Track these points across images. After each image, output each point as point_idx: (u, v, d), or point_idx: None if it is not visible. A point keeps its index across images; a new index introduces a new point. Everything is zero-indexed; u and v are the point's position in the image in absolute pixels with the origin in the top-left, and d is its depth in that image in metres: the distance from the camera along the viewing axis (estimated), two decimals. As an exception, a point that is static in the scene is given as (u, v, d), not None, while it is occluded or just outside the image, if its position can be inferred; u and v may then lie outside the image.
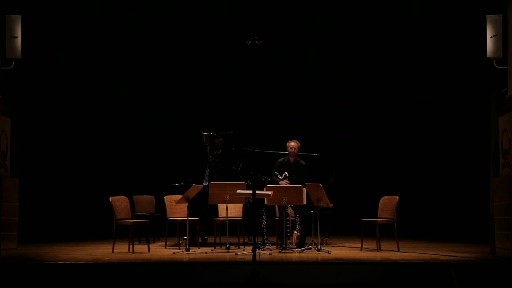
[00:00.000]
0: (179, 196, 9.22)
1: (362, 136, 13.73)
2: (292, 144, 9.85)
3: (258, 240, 8.84)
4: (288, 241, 9.36)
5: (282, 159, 9.99)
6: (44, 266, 7.62)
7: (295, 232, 9.52)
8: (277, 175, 9.77)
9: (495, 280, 7.22)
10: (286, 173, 9.71)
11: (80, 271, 7.47)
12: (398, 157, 13.44)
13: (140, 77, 13.65)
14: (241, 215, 10.15)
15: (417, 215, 12.78)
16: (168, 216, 9.86)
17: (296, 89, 13.87)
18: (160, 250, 9.50)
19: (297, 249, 9.14)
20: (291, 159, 9.86)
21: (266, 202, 9.26)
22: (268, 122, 13.79)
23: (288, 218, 9.37)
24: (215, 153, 10.42)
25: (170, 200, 9.86)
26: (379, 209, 9.38)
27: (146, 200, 11.43)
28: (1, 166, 8.78)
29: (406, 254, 8.74)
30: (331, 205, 9.30)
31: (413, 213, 12.56)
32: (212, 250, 9.24)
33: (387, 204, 9.24)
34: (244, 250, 9.26)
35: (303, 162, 9.95)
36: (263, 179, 9.98)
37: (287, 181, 9.64)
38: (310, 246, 9.32)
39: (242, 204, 10.01)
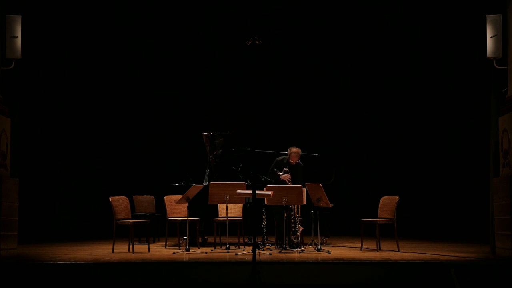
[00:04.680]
0: (179, 196, 9.21)
1: (363, 136, 13.72)
2: (296, 150, 9.79)
3: (258, 240, 8.84)
4: (293, 236, 9.32)
5: (281, 158, 9.97)
6: (44, 266, 7.62)
7: (301, 227, 9.50)
8: (276, 171, 9.74)
9: (495, 280, 7.22)
10: (286, 168, 9.69)
11: (80, 271, 7.47)
12: (398, 157, 13.43)
13: (140, 77, 13.64)
14: (241, 215, 10.15)
15: (417, 215, 12.77)
16: (168, 216, 9.86)
17: (297, 89, 13.87)
18: (160, 250, 9.50)
19: (296, 249, 9.13)
20: (292, 162, 9.82)
21: (266, 202, 9.26)
22: (268, 122, 13.78)
23: (292, 214, 9.33)
24: (215, 153, 10.42)
25: (170, 200, 9.86)
26: (379, 209, 9.38)
27: (146, 200, 11.43)
28: (1, 166, 8.78)
29: (406, 254, 8.74)
30: (331, 205, 9.30)
31: (413, 213, 12.56)
32: (212, 250, 9.24)
33: (387, 204, 9.23)
34: (244, 250, 9.27)
35: (302, 164, 9.94)
36: (263, 179, 9.98)
37: (289, 175, 9.62)
38: (304, 248, 9.33)
39: (242, 204, 10.02)
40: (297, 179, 9.66)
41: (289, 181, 9.54)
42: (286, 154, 9.93)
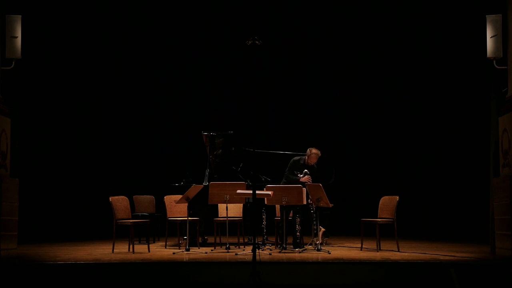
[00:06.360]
0: (179, 196, 9.21)
1: (362, 136, 13.72)
2: (316, 151, 9.82)
3: (258, 240, 8.84)
4: (315, 238, 9.32)
5: (298, 158, 9.98)
6: (44, 266, 7.62)
7: (322, 228, 9.50)
8: (297, 173, 9.76)
9: (495, 280, 7.22)
10: (306, 170, 9.72)
11: (80, 271, 7.47)
12: (398, 157, 13.43)
13: (139, 77, 13.64)
14: (241, 215, 10.15)
15: (417, 215, 12.77)
16: (168, 216, 9.86)
17: (296, 88, 13.87)
18: (160, 250, 9.50)
19: (296, 249, 9.13)
20: (310, 163, 9.85)
21: (266, 202, 9.26)
22: (268, 122, 13.78)
23: (314, 215, 9.32)
24: (215, 153, 10.42)
25: (170, 200, 9.86)
26: (379, 209, 9.38)
27: (146, 200, 11.43)
28: (1, 166, 8.78)
29: (406, 254, 8.74)
30: (331, 205, 9.29)
31: (413, 213, 12.56)
32: (212, 250, 9.24)
33: (387, 204, 9.23)
34: (244, 250, 9.27)
35: (316, 166, 9.98)
36: (263, 179, 9.98)
37: (309, 176, 9.63)
38: (306, 247, 9.34)
39: (242, 204, 10.02)
40: (313, 180, 9.69)
41: (309, 182, 9.53)
42: (298, 155, 9.97)
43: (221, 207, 10.04)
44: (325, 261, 7.98)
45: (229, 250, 9.15)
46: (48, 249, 9.66)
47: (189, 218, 9.31)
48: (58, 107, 13.08)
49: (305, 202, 9.16)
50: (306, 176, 9.67)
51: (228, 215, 9.36)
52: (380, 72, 13.55)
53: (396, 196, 9.11)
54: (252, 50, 13.31)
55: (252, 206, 8.34)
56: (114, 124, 13.55)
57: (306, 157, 9.87)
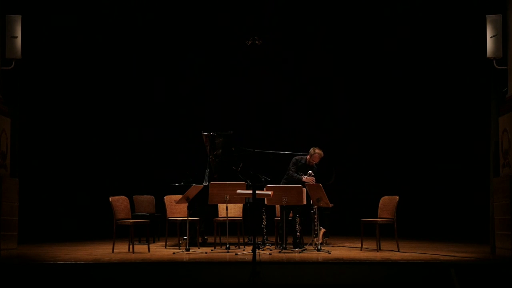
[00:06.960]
0: (179, 196, 9.21)
1: (362, 136, 13.72)
2: (320, 151, 9.85)
3: (258, 240, 8.83)
4: (315, 238, 9.32)
5: (299, 158, 10.00)
6: (44, 266, 7.62)
7: (322, 228, 9.50)
8: (301, 174, 9.78)
9: (495, 280, 7.22)
10: (310, 171, 9.73)
11: (80, 271, 7.47)
12: (398, 157, 13.43)
13: (139, 76, 13.65)
14: (241, 215, 10.16)
15: (417, 215, 12.77)
16: (168, 216, 9.86)
17: (296, 88, 13.87)
18: (160, 250, 9.50)
19: (296, 249, 9.13)
20: (312, 162, 9.87)
21: (266, 202, 9.26)
22: (268, 122, 13.78)
23: (315, 216, 9.33)
24: (215, 153, 10.42)
25: (170, 200, 9.86)
26: (379, 209, 9.38)
27: (146, 200, 11.43)
28: (1, 166, 8.79)
29: (406, 254, 8.74)
30: (331, 205, 9.30)
31: (413, 213, 12.56)
32: (212, 250, 9.24)
33: (387, 204, 9.23)
34: (244, 250, 9.27)
35: (315, 166, 10.00)
36: (263, 179, 9.98)
37: (313, 177, 9.65)
38: (306, 247, 9.34)
39: (242, 204, 10.02)
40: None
41: (312, 183, 9.53)
42: (298, 155, 9.99)
43: (221, 207, 10.05)
44: (325, 261, 7.98)
45: (229, 250, 9.15)
46: (48, 249, 9.66)
47: (189, 218, 9.31)
48: (58, 107, 13.08)
49: (305, 202, 9.16)
50: (310, 177, 9.68)
51: (228, 215, 9.36)
52: (379, 71, 13.55)
53: (396, 196, 9.11)
54: (252, 49, 13.31)
55: (252, 206, 8.34)
56: (114, 124, 13.55)
57: (309, 156, 9.88)
